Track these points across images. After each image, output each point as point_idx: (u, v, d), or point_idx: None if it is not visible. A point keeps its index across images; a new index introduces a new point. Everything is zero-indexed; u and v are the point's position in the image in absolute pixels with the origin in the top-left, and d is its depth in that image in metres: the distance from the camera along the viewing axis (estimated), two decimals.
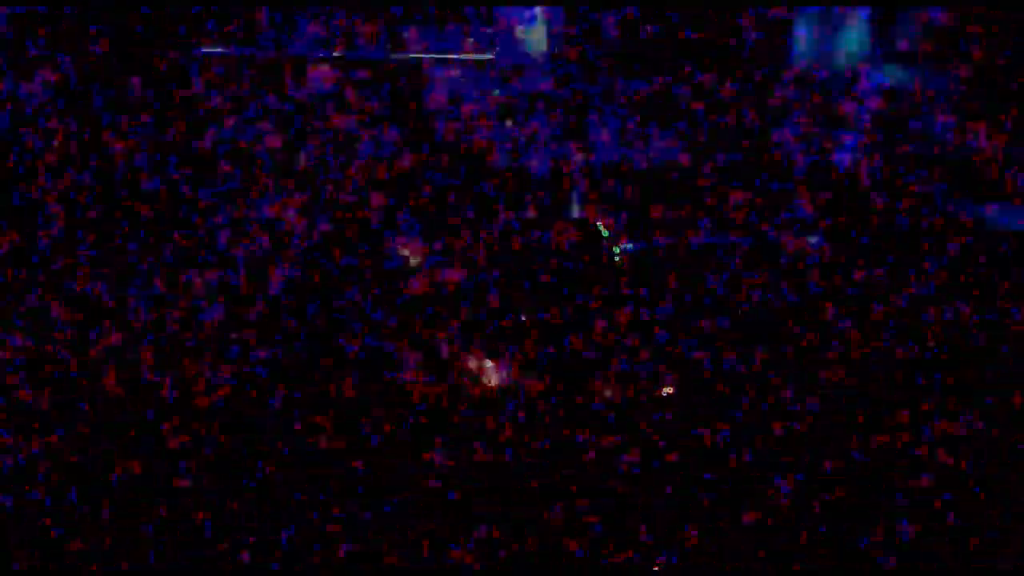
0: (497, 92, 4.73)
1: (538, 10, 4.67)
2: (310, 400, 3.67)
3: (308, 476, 3.26)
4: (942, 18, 4.08)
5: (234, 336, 4.02)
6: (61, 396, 3.62)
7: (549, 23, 4.69)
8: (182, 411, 3.57)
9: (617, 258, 4.35)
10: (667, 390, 3.77)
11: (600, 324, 4.07)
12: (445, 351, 3.96)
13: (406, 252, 4.47)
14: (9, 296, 4.13)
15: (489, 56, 4.71)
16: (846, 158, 4.45)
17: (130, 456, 3.33)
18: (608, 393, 3.75)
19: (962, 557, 2.94)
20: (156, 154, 4.55)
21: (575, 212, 4.70)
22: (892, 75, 4.32)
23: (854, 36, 4.38)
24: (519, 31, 4.68)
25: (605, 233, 4.41)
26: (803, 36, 4.47)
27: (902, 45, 4.26)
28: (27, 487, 3.17)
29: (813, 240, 4.52)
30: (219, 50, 4.59)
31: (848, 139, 4.45)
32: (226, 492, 3.19)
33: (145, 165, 4.55)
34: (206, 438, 3.44)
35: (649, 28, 4.61)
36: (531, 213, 4.71)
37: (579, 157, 4.71)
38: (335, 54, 4.66)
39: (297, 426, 3.51)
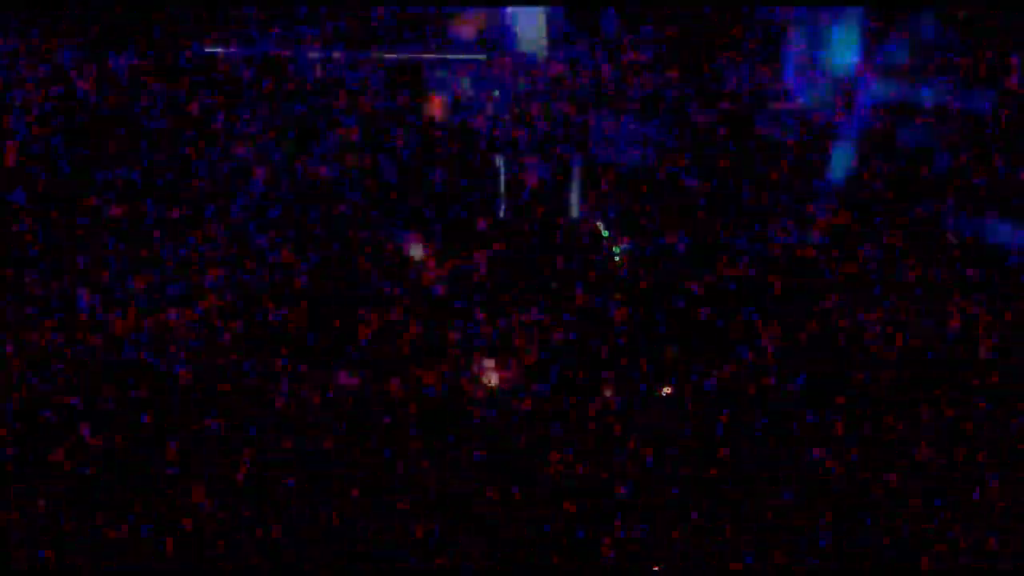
0: (497, 92, 4.73)
1: (538, 10, 4.67)
2: (310, 398, 3.67)
3: (308, 476, 3.27)
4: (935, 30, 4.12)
5: (232, 335, 4.02)
6: (63, 395, 3.62)
7: (549, 22, 4.69)
8: (181, 408, 3.57)
9: (617, 258, 4.35)
10: (666, 390, 3.77)
11: (600, 324, 4.07)
12: (444, 350, 3.96)
13: (406, 251, 4.47)
14: (12, 294, 4.13)
15: (489, 56, 4.71)
16: (840, 170, 4.49)
17: (128, 454, 3.33)
18: (608, 393, 3.76)
19: (962, 557, 2.95)
20: (158, 152, 4.55)
21: (575, 212, 4.71)
22: (885, 88, 4.36)
23: (847, 49, 4.42)
24: (519, 31, 4.68)
25: (605, 233, 4.42)
26: (796, 46, 4.51)
27: (896, 58, 4.30)
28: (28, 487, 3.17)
29: (812, 239, 4.53)
30: (219, 50, 4.59)
31: (841, 151, 4.48)
32: (226, 492, 3.19)
33: (145, 162, 4.55)
34: (205, 436, 3.44)
35: (648, 29, 4.62)
36: (531, 213, 4.71)
37: (579, 156, 4.71)
38: (335, 54, 4.66)
39: (296, 425, 3.51)
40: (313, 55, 4.65)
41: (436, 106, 4.75)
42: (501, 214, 4.70)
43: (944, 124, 4.30)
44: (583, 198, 4.69)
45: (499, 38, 4.71)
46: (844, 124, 4.50)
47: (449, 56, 4.71)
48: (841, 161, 4.51)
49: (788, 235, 4.54)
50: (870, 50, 4.39)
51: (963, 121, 4.26)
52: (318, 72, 4.69)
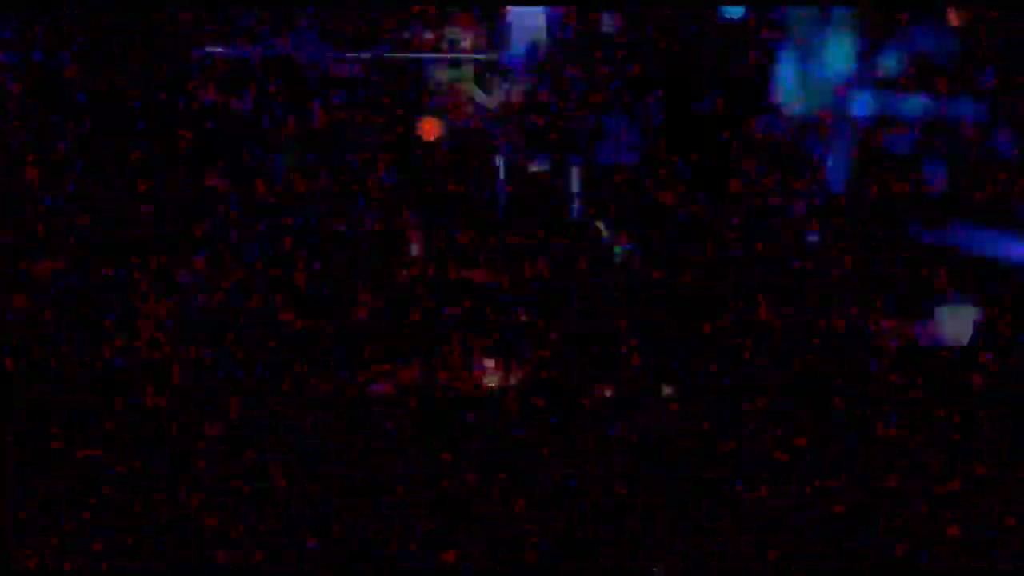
0: (498, 92, 4.73)
1: (539, 10, 4.67)
2: (309, 398, 3.68)
3: (308, 476, 3.27)
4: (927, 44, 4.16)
5: (232, 333, 4.03)
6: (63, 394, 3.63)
7: (550, 22, 4.69)
8: (180, 407, 3.57)
9: (617, 258, 4.35)
10: (667, 390, 3.77)
11: (600, 324, 4.07)
12: (445, 350, 3.96)
13: (406, 250, 4.47)
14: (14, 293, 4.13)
15: (491, 56, 4.71)
16: (833, 180, 4.52)
17: (129, 454, 3.33)
18: (608, 393, 3.76)
19: (962, 557, 2.95)
20: (156, 151, 4.56)
21: (575, 212, 4.71)
22: (876, 101, 4.41)
23: (839, 62, 4.46)
24: (520, 30, 4.68)
25: (605, 233, 4.42)
26: (788, 61, 4.54)
27: (888, 72, 4.34)
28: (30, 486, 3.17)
29: (812, 239, 4.54)
30: (219, 50, 4.59)
31: (833, 162, 4.51)
32: (226, 492, 3.19)
33: (144, 162, 4.55)
34: (205, 436, 3.44)
35: (645, 31, 4.63)
36: (531, 213, 4.71)
37: (579, 157, 4.71)
38: (335, 54, 4.66)
39: (296, 423, 3.51)
40: (312, 55, 4.65)
41: (435, 106, 4.75)
42: (501, 214, 4.70)
43: (934, 134, 4.35)
44: (583, 198, 4.70)
45: (499, 38, 4.71)
46: (837, 129, 4.52)
47: (449, 56, 4.71)
48: (836, 165, 4.53)
49: (787, 236, 4.54)
50: (863, 59, 4.43)
51: (954, 131, 4.31)
52: (317, 72, 4.69)
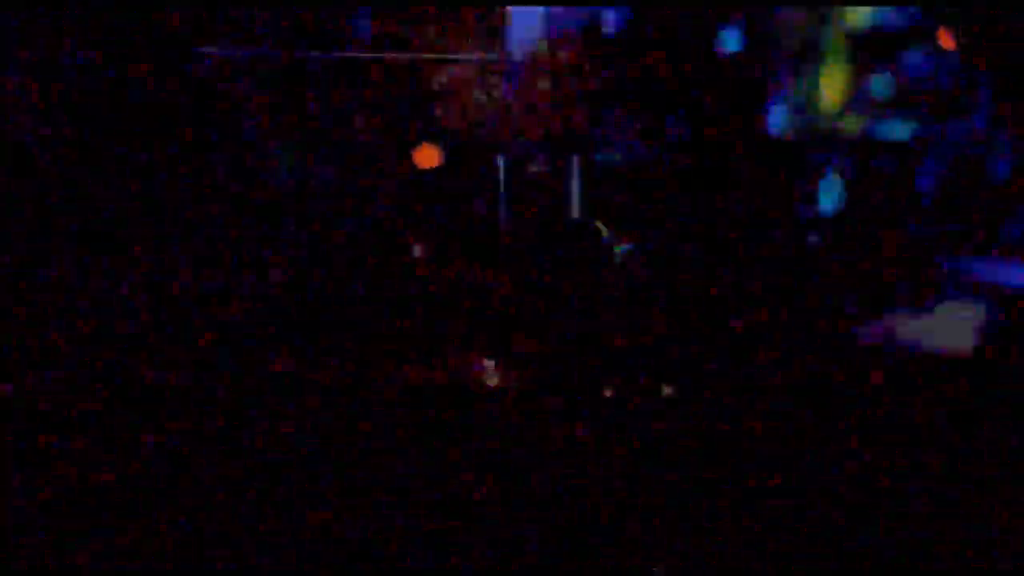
0: (499, 91, 4.73)
1: (540, 9, 4.67)
2: (309, 398, 3.68)
3: (308, 476, 3.27)
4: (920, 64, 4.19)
5: (232, 333, 4.02)
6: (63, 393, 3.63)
7: (551, 22, 4.69)
8: (180, 408, 3.57)
9: (617, 258, 4.35)
10: (667, 390, 3.77)
11: (600, 323, 4.07)
12: (445, 350, 3.96)
13: (410, 251, 4.47)
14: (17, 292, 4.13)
15: (493, 55, 4.71)
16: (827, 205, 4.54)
17: (129, 453, 3.33)
18: (608, 393, 3.76)
19: (962, 557, 2.95)
20: (158, 152, 4.56)
21: (575, 212, 4.71)
22: (870, 123, 4.43)
23: (837, 83, 4.49)
24: (522, 30, 4.68)
25: (605, 233, 4.42)
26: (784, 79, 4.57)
27: (881, 94, 4.37)
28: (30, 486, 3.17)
29: (812, 239, 4.54)
30: (219, 50, 4.59)
31: (828, 186, 4.53)
32: (226, 492, 3.19)
33: (145, 163, 4.55)
34: (205, 435, 3.44)
35: (647, 30, 4.63)
36: (531, 213, 4.71)
37: (579, 157, 4.71)
38: (335, 54, 4.66)
39: (296, 422, 3.51)
40: (315, 55, 4.65)
41: (437, 106, 4.75)
42: (501, 214, 4.70)
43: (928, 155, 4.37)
44: (583, 198, 4.70)
45: (500, 38, 4.71)
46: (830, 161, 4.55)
47: (450, 56, 4.71)
48: (830, 183, 4.55)
49: (786, 237, 4.54)
50: (857, 82, 4.46)
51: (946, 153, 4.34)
52: (318, 72, 4.69)
